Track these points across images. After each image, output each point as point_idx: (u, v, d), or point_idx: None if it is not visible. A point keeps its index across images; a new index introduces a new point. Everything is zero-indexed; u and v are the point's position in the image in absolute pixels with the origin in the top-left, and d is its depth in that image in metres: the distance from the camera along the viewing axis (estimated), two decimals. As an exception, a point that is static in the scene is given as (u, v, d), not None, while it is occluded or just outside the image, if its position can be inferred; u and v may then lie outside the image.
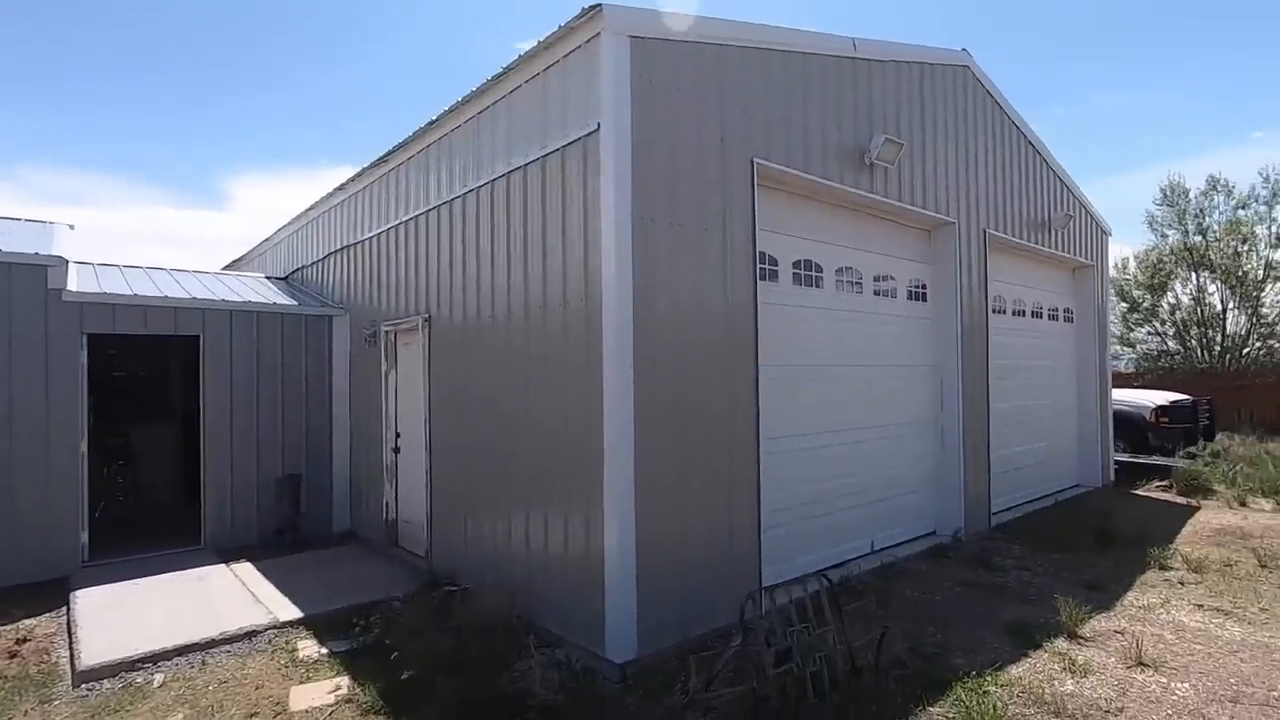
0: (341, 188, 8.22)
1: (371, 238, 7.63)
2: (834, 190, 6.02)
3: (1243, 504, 9.40)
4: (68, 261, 6.66)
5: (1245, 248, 22.89)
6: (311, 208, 9.23)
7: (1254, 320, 23.34)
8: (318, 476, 8.02)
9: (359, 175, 7.73)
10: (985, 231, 7.93)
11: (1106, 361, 10.95)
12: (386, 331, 7.31)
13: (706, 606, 4.76)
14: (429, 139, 6.42)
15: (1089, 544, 7.22)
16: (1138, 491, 10.31)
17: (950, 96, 7.48)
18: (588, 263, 4.55)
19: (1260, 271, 23.02)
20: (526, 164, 5.13)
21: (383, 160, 7.20)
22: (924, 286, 7.50)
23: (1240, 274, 23.01)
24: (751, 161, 5.19)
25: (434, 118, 6.11)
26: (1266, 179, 23.38)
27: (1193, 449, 12.89)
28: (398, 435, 7.28)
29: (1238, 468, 10.61)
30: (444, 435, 6.26)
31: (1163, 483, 10.55)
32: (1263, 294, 23.10)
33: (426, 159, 6.53)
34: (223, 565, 6.72)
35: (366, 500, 7.82)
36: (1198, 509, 9.11)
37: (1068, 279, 10.65)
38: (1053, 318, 10.22)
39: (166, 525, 8.34)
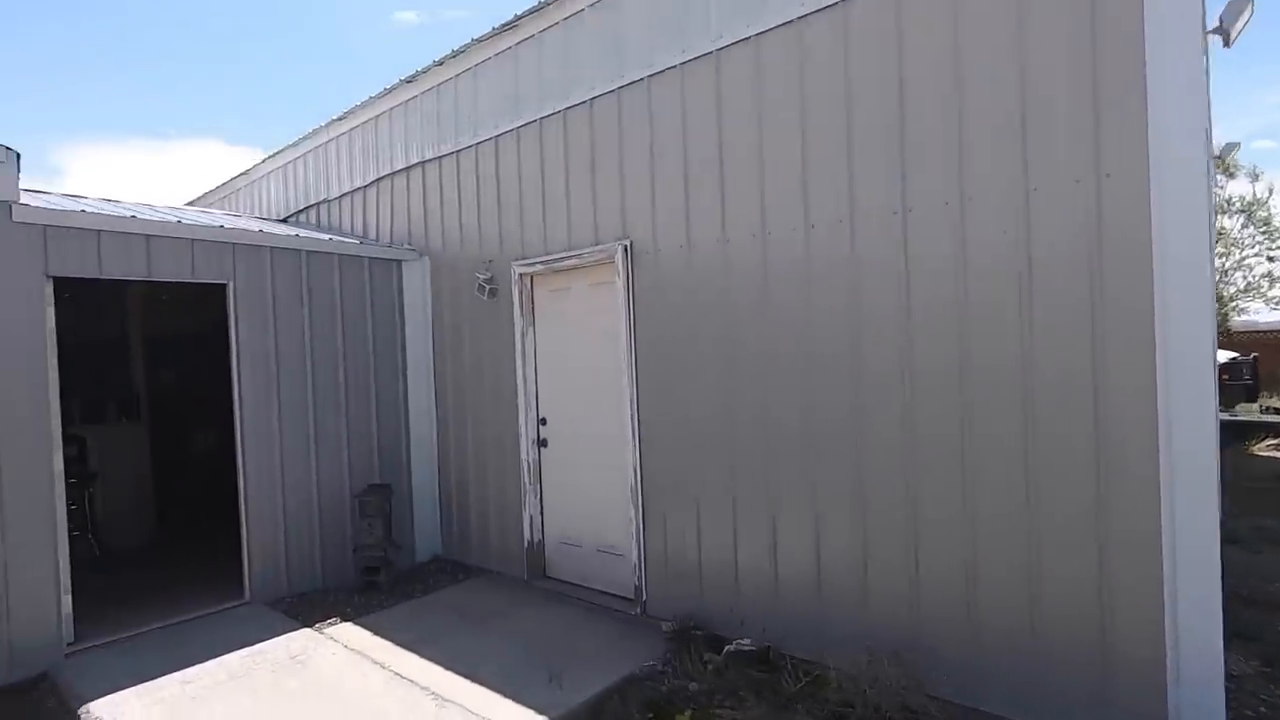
0: (411, 80, 5.84)
1: (481, 144, 5.36)
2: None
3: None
4: (18, 156, 4.02)
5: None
6: (340, 119, 6.70)
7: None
8: (394, 486, 5.69)
9: (456, 56, 5.41)
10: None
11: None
12: (521, 275, 5.11)
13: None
14: (623, -21, 4.31)
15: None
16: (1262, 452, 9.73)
17: None
18: (1101, 147, 2.75)
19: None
20: (905, -24, 3.22)
21: (509, 27, 4.97)
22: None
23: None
24: None
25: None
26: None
27: (1252, 405, 12.76)
28: (542, 422, 5.14)
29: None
30: (672, 419, 4.25)
31: (1275, 440, 10.07)
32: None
33: (617, 9, 4.41)
34: (307, 630, 4.38)
35: (478, 516, 5.60)
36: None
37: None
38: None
39: (161, 571, 5.75)
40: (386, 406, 5.72)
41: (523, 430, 5.16)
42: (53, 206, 4.16)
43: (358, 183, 6.63)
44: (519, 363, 5.16)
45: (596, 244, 4.57)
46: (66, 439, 4.34)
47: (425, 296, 5.96)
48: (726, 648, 3.71)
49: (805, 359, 3.62)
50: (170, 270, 4.63)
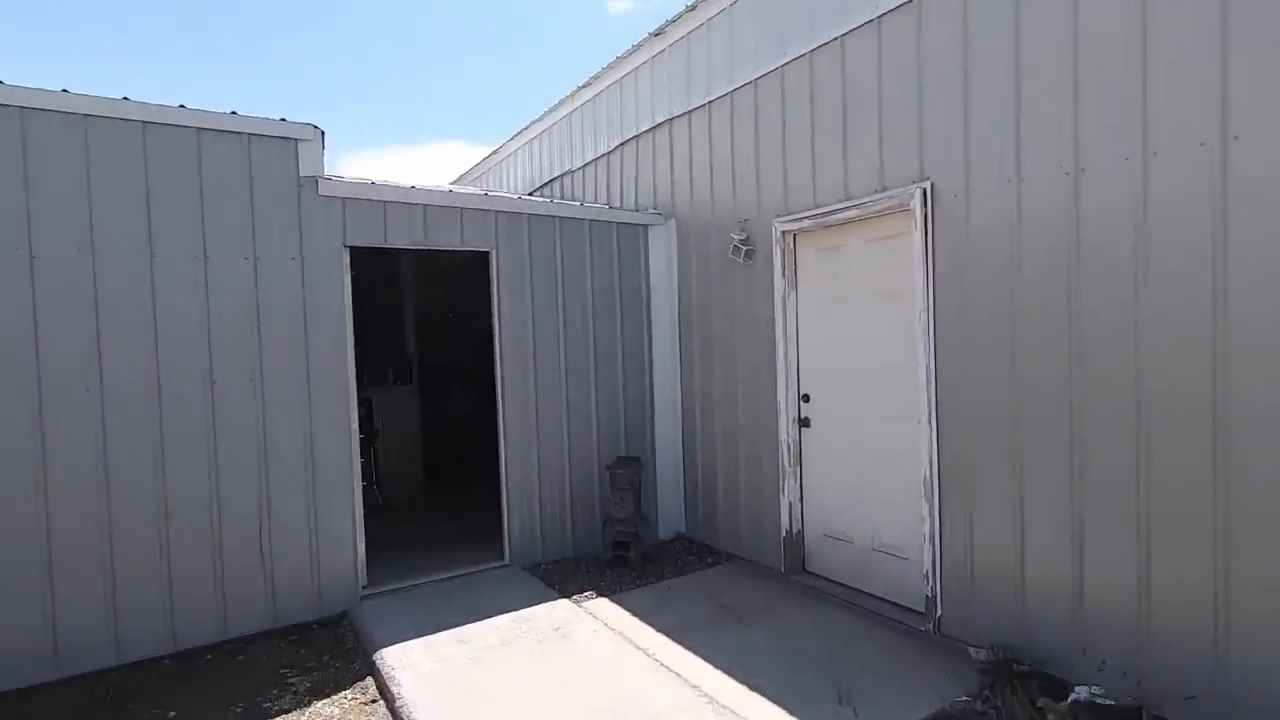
0: (659, 34, 5.52)
1: (737, 90, 4.86)
2: None
3: None
4: (323, 134, 4.32)
5: None
6: (585, 86, 6.63)
7: None
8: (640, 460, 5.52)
9: (710, -5, 4.96)
10: None
11: None
12: (784, 234, 4.56)
13: None
14: None
15: None
16: None
17: None
18: None
19: None
20: None
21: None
22: None
23: None
24: None
25: None
26: None
27: None
28: (804, 399, 4.58)
29: None
30: (986, 401, 3.45)
31: None
32: None
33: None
34: (565, 601, 4.31)
35: (726, 497, 5.23)
36: None
37: None
38: None
39: (430, 524, 6.18)
40: (632, 377, 5.55)
41: (781, 407, 4.64)
42: (349, 180, 4.43)
43: (601, 150, 6.52)
44: (778, 332, 4.63)
45: (883, 189, 3.86)
46: (358, 399, 4.68)
47: (671, 262, 5.66)
48: (1072, 695, 2.89)
49: (1203, 321, 2.63)
50: (443, 239, 4.78)
